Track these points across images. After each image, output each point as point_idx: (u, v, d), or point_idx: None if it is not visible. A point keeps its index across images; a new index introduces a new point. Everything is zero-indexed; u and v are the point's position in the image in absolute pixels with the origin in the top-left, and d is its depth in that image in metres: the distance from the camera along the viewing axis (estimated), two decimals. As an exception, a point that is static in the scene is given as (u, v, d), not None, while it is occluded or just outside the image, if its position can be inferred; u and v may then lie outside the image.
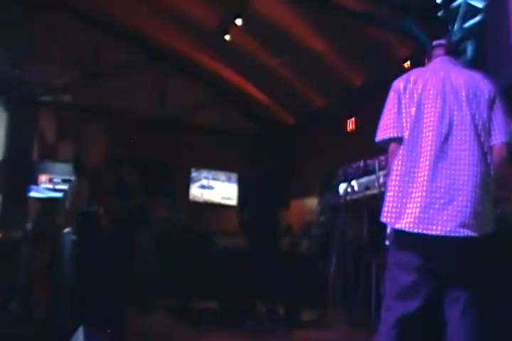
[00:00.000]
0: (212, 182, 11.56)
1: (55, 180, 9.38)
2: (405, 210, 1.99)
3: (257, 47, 9.23)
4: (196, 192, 11.42)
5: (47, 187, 9.34)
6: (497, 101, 2.11)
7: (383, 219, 2.06)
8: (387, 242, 2.17)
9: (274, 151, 11.74)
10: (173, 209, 8.82)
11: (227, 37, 8.70)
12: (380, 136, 2.15)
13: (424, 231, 1.95)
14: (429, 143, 2.02)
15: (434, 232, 1.94)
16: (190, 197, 11.31)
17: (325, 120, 9.75)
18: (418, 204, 1.97)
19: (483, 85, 2.13)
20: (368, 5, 7.19)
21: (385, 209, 2.04)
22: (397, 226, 2.01)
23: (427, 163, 2.01)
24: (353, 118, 9.18)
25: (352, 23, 7.67)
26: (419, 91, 2.11)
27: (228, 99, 11.78)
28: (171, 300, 5.93)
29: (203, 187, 11.48)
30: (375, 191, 4.49)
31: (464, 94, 2.09)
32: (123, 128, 9.97)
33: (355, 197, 4.91)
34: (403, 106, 2.11)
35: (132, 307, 4.91)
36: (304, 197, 9.07)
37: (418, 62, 2.50)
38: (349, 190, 4.98)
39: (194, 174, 11.41)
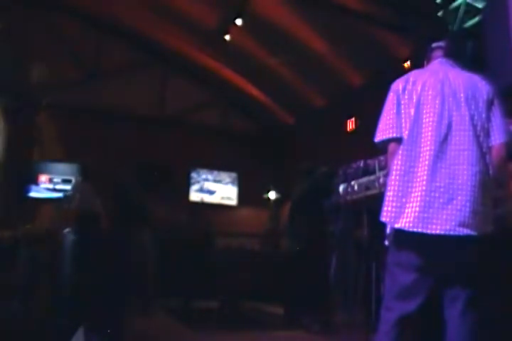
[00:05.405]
0: (211, 182, 11.56)
1: (55, 180, 9.38)
2: (405, 210, 2.00)
3: (257, 47, 9.24)
4: (196, 191, 11.41)
5: (47, 187, 9.34)
6: (495, 101, 2.12)
7: (383, 219, 2.06)
8: (386, 242, 2.18)
9: (274, 151, 11.75)
10: (173, 209, 8.81)
11: (227, 37, 8.71)
12: (380, 136, 2.16)
13: (424, 231, 1.95)
14: (429, 143, 2.03)
15: (433, 231, 1.94)
16: (190, 196, 11.31)
17: (325, 120, 9.75)
18: (417, 204, 1.97)
19: (482, 86, 2.14)
20: (367, 5, 7.20)
21: (385, 208, 2.05)
22: (396, 225, 2.01)
23: (427, 162, 2.01)
24: (353, 118, 9.18)
25: (352, 23, 7.67)
26: (418, 92, 2.12)
27: (228, 99, 11.78)
28: (171, 300, 5.94)
29: (202, 186, 11.48)
30: (375, 191, 4.48)
31: (462, 95, 2.10)
32: (123, 128, 9.98)
33: (355, 197, 4.90)
34: (402, 106, 2.12)
35: (132, 308, 4.91)
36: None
37: (418, 62, 2.51)
38: (349, 190, 4.97)
39: (194, 174, 11.41)
